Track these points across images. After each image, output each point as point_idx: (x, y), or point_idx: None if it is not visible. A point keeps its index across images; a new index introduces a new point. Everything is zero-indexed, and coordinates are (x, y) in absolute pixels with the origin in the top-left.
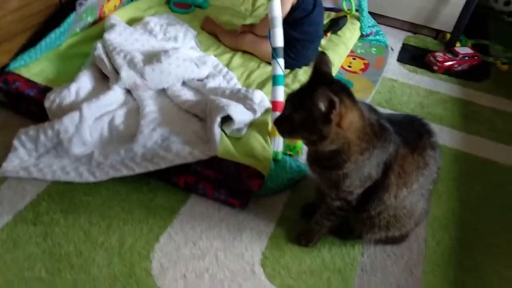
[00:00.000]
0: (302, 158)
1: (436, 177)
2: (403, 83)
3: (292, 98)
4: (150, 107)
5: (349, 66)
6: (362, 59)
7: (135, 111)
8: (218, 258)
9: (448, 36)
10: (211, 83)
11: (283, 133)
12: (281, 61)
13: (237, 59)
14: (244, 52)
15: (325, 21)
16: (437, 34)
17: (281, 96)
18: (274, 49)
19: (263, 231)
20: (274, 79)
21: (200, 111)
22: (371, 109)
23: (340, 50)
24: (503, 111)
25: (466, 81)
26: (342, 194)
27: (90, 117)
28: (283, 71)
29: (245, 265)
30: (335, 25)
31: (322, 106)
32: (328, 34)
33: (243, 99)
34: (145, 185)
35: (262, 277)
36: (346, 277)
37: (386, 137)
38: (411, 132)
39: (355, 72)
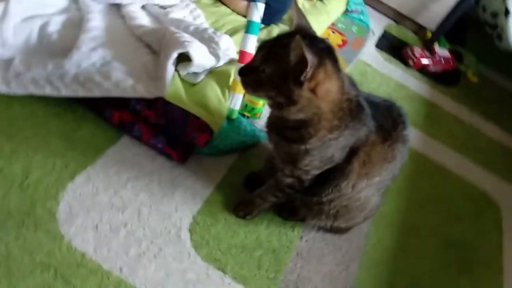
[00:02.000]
0: (259, 123)
1: (397, 174)
2: (376, 70)
3: (265, 46)
4: (96, 22)
5: (327, 39)
6: (341, 34)
7: (76, 23)
8: (140, 213)
9: (429, 34)
10: (175, 14)
11: (247, 87)
12: (261, 6)
13: None
14: None
15: None
16: (419, 29)
17: (251, 47)
18: None
19: (198, 192)
20: (248, 26)
21: (155, 42)
22: (351, 83)
23: (322, 19)
24: (462, 120)
25: (436, 83)
26: (297, 171)
27: (19, 14)
28: (260, 18)
29: (171, 227)
30: None
31: (293, 60)
32: None
33: (208, 41)
34: (71, 112)
35: (187, 244)
36: (279, 258)
37: (361, 118)
38: (386, 118)
39: None
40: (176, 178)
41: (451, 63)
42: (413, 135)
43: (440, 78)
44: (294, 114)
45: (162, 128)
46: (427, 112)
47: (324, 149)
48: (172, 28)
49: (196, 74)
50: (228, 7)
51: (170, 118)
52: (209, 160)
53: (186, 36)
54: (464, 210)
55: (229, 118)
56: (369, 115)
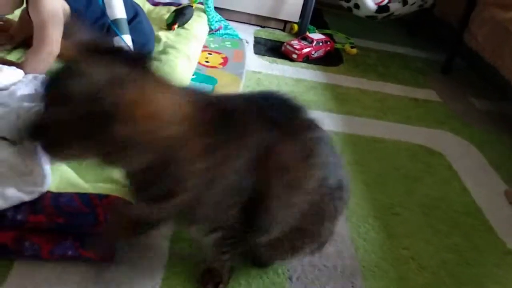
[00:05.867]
0: None
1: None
2: (267, 74)
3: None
4: None
5: (207, 62)
6: (219, 53)
7: None
8: None
9: (296, 27)
10: (23, 90)
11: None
12: (127, 39)
13: None
14: None
15: (167, 14)
16: (285, 25)
17: None
18: (114, 22)
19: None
20: None
21: (8, 130)
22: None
23: (193, 45)
24: (366, 90)
25: (325, 67)
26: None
27: None
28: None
29: None
30: (181, 16)
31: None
32: (175, 26)
33: None
34: None
35: None
36: None
37: (243, 121)
38: (278, 109)
39: (215, 67)
40: (110, 283)
41: (330, 42)
42: (332, 119)
43: (325, 60)
44: (138, 160)
45: (64, 230)
46: (334, 94)
47: (219, 180)
48: (26, 104)
49: None
50: None
51: (69, 212)
52: (141, 240)
53: None
54: (417, 170)
55: None
56: (249, 112)
